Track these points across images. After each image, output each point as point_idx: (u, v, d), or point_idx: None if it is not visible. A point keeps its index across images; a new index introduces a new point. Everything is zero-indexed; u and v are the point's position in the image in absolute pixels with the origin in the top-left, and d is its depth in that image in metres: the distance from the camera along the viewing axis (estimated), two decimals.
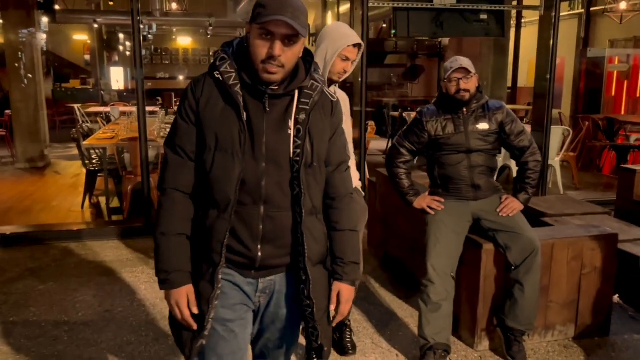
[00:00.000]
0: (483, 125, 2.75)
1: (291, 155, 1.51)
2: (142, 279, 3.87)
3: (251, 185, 1.49)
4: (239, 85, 1.49)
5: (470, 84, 2.72)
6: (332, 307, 1.63)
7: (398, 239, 3.97)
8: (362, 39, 4.79)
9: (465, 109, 2.76)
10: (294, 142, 1.51)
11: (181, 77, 16.56)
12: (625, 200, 4.61)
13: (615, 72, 11.00)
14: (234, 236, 1.51)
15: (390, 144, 3.19)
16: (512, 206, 2.77)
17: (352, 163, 2.66)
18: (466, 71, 2.72)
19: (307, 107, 1.53)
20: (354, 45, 2.45)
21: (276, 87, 1.49)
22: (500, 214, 2.75)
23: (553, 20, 5.27)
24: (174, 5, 13.00)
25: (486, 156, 2.80)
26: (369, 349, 2.95)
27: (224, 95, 1.50)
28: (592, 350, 2.93)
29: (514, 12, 9.81)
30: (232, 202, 1.48)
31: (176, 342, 1.61)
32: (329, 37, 2.43)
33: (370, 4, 4.82)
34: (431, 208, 2.83)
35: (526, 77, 12.62)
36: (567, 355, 2.89)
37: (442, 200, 2.83)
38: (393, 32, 5.47)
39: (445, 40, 12.39)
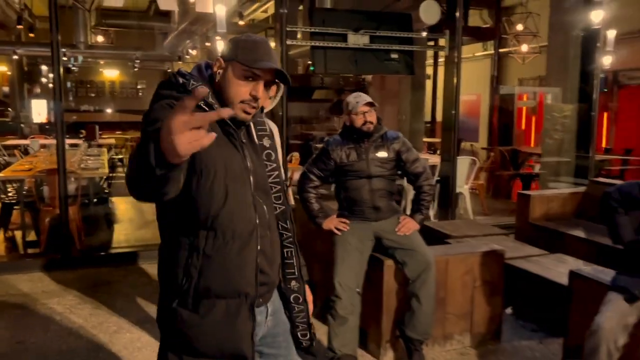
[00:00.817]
0: (382, 154, 3.04)
1: (269, 179, 1.59)
2: (57, 310, 3.83)
3: (259, 211, 1.51)
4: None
5: (373, 117, 3.01)
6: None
7: (315, 262, 4.17)
8: None
9: (366, 139, 3.03)
10: (267, 166, 1.59)
11: (108, 110, 16.26)
12: (522, 222, 5.08)
13: (524, 108, 11.97)
14: None
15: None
16: (409, 226, 3.04)
17: None
18: (371, 104, 3.01)
19: (267, 132, 1.62)
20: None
21: None
22: (398, 233, 3.02)
23: (456, 60, 5.79)
24: (100, 38, 12.90)
25: (386, 181, 3.07)
26: None
27: (219, 125, 1.44)
28: (485, 357, 3.22)
29: (430, 52, 10.54)
30: (256, 228, 1.47)
31: None
32: None
33: (288, 42, 5.12)
34: (338, 229, 3.07)
35: None
36: None
37: (348, 221, 3.08)
38: (311, 68, 5.81)
39: (369, 77, 13.04)
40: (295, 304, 1.68)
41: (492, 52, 12.66)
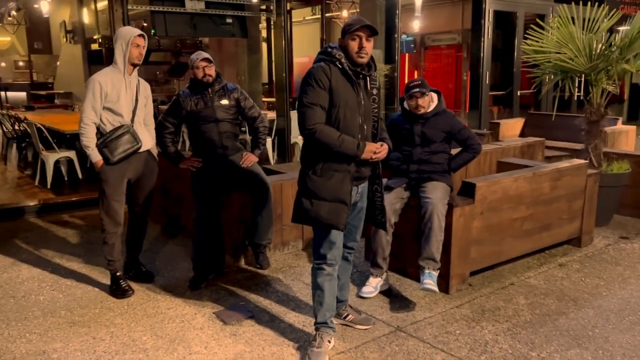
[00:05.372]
0: (225, 101, 3.77)
1: (372, 112, 2.76)
2: None
3: (361, 128, 2.69)
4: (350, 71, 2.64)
5: (211, 70, 3.70)
6: None
7: (173, 200, 4.84)
8: None
9: (210, 90, 3.74)
10: (372, 103, 2.75)
11: None
12: None
13: None
14: None
15: None
16: (250, 159, 3.86)
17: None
18: (208, 60, 3.70)
19: (377, 85, 2.76)
20: (139, 35, 3.46)
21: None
22: (243, 165, 3.82)
23: (283, 24, 6.64)
24: None
25: (230, 124, 3.82)
26: (148, 287, 3.79)
27: (344, 76, 2.64)
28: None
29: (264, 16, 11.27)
30: (359, 137, 2.66)
31: (332, 226, 2.64)
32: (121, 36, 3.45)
33: (130, 7, 5.51)
34: (193, 166, 3.77)
35: None
36: (298, 259, 4.17)
37: (200, 159, 3.79)
38: (152, 31, 6.23)
39: (206, 40, 13.39)
40: (377, 193, 2.87)
41: (320, 16, 13.80)
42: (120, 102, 3.46)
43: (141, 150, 3.56)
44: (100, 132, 3.47)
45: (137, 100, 3.57)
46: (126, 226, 3.70)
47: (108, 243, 3.53)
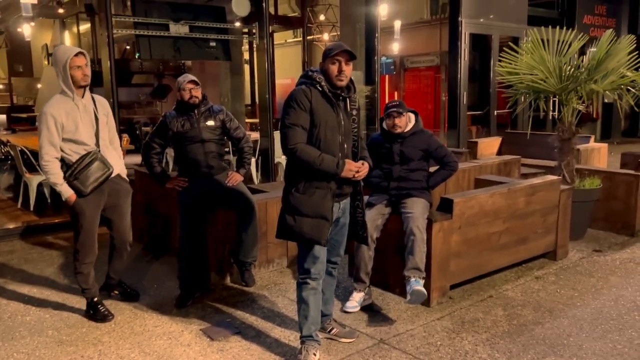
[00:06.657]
0: (210, 122, 3.88)
1: (352, 131, 2.89)
2: None
3: (342, 147, 2.81)
4: (329, 93, 2.76)
5: (198, 92, 3.81)
6: None
7: (158, 220, 4.89)
8: (110, 60, 5.55)
9: (196, 111, 3.84)
10: (352, 123, 2.89)
11: None
12: None
13: None
14: None
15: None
16: (235, 178, 3.95)
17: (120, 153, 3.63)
18: (195, 83, 3.81)
19: (356, 107, 2.91)
20: (77, 55, 3.26)
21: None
22: (228, 184, 3.92)
23: (266, 47, 6.79)
24: None
25: (216, 144, 3.92)
26: (135, 305, 3.83)
27: (324, 98, 2.76)
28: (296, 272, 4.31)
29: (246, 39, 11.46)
30: (340, 156, 2.78)
31: (314, 241, 2.74)
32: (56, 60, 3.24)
33: (114, 31, 5.60)
34: (179, 186, 3.85)
35: None
36: (283, 276, 4.25)
37: (186, 179, 3.87)
38: (137, 54, 6.32)
39: (189, 62, 13.53)
40: (358, 209, 2.98)
41: (301, 39, 14.07)
42: (79, 131, 3.27)
43: (112, 175, 3.41)
44: (66, 164, 3.29)
45: (97, 121, 3.36)
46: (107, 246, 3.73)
47: (83, 273, 3.45)
